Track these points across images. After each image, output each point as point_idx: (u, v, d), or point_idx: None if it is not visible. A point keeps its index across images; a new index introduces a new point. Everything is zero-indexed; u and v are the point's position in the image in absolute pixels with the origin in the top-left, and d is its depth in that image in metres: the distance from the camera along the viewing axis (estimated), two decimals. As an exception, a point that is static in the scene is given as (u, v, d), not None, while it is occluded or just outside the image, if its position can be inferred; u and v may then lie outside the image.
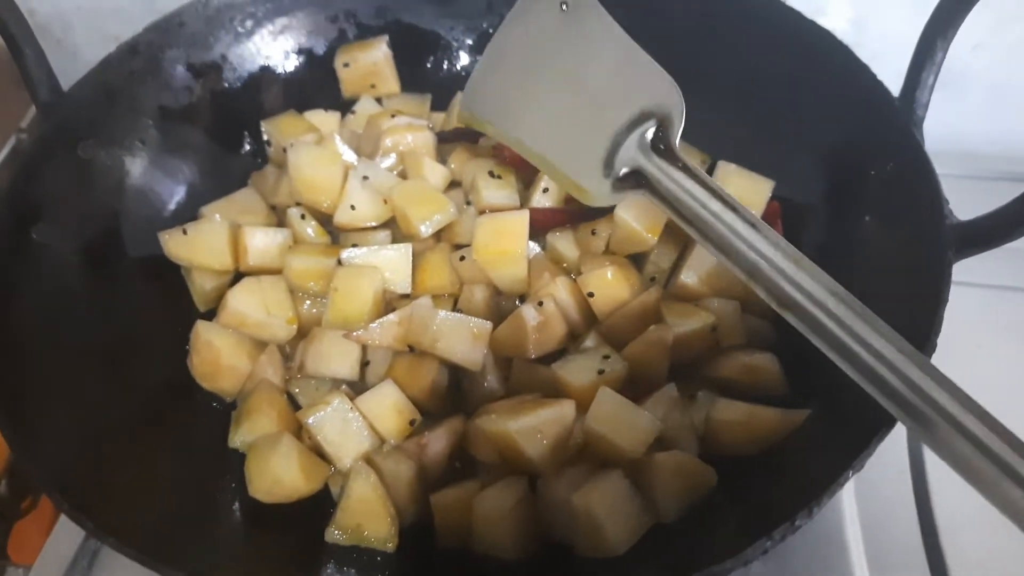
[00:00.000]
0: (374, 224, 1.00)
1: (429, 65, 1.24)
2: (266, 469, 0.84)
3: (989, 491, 0.55)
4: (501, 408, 0.85)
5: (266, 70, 1.18)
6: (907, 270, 0.82)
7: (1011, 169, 1.31)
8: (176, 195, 1.09)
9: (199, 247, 0.99)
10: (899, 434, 1.01)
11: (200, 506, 0.85)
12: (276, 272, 0.98)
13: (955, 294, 0.74)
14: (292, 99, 1.18)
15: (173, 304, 1.01)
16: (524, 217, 0.93)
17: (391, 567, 0.82)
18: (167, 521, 0.78)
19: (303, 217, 1.02)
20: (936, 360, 0.65)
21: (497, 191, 0.99)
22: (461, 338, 0.89)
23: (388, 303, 0.96)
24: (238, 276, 1.00)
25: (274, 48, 1.18)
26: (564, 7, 0.80)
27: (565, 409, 0.81)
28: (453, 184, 1.06)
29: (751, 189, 1.04)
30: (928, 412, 0.59)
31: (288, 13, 1.17)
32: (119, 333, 0.94)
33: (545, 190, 0.99)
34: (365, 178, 1.00)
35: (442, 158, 1.09)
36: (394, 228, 1.02)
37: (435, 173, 1.03)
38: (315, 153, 1.02)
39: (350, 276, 0.92)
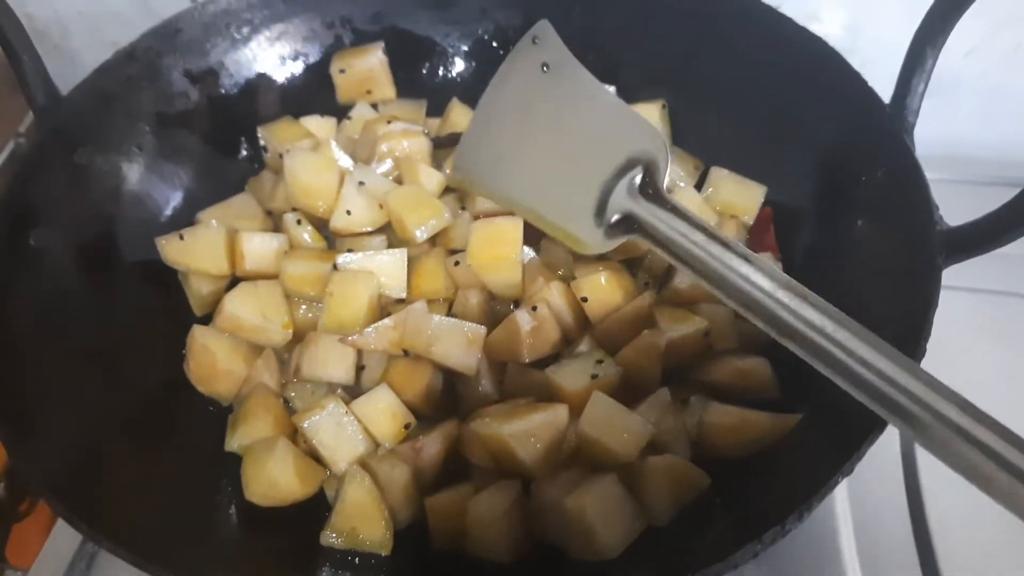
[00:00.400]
0: (370, 229, 1.01)
1: (425, 71, 1.25)
2: (262, 473, 0.84)
3: (991, 489, 0.56)
4: (495, 412, 0.85)
5: (262, 76, 1.18)
6: (898, 275, 0.83)
7: (1002, 174, 1.32)
8: (173, 200, 1.09)
9: (196, 252, 0.99)
10: (892, 436, 1.02)
11: (196, 509, 0.85)
12: (272, 277, 0.98)
13: (945, 299, 0.75)
14: (288, 105, 1.18)
15: (170, 309, 1.01)
16: (518, 222, 0.93)
17: (386, 570, 0.83)
18: (163, 524, 0.78)
19: (299, 222, 1.02)
20: (926, 364, 0.65)
21: (491, 197, 0.99)
22: (456, 342, 0.90)
23: (383, 308, 0.97)
24: (234, 281, 1.00)
25: (270, 54, 1.18)
26: (545, 68, 0.81)
27: (559, 413, 0.82)
28: (448, 189, 1.06)
29: (744, 195, 1.05)
30: (925, 417, 0.59)
31: (284, 19, 1.17)
32: (116, 337, 0.94)
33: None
34: (361, 183, 1.00)
35: (438, 163, 1.09)
36: (389, 233, 1.02)
37: (430, 178, 1.04)
38: (311, 159, 1.03)
39: (346, 281, 0.93)
